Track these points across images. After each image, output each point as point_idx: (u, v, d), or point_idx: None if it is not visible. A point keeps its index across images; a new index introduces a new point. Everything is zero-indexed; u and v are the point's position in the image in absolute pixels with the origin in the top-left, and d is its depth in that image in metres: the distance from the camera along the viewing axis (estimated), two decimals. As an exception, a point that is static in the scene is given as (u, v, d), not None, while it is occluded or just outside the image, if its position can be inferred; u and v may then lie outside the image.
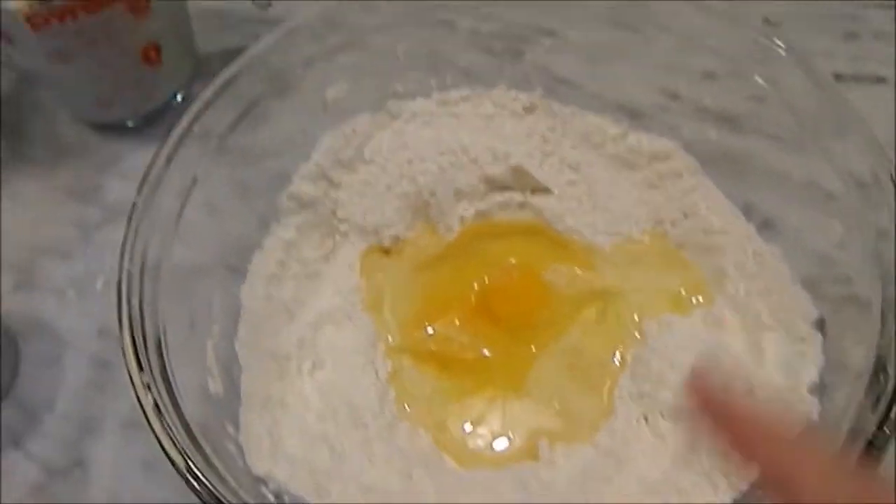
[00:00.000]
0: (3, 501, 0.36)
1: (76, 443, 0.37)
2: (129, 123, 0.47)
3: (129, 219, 0.31)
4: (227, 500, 0.25)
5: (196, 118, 0.33)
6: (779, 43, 0.36)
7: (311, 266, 0.36)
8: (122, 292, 0.28)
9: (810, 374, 0.30)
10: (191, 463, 0.26)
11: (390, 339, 0.34)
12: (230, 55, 0.51)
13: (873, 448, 0.25)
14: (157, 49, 0.44)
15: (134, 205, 0.32)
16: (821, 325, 0.32)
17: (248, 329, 0.33)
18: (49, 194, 0.46)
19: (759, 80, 0.38)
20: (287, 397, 0.32)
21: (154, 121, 0.48)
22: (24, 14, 0.38)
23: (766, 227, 0.38)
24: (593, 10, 0.40)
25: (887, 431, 0.25)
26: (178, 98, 0.48)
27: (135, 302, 0.29)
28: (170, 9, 0.44)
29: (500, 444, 0.32)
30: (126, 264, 0.29)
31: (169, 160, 0.33)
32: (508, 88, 0.40)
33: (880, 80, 0.47)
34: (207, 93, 0.34)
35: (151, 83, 0.46)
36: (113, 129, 0.48)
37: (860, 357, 0.29)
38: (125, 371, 0.28)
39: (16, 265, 0.43)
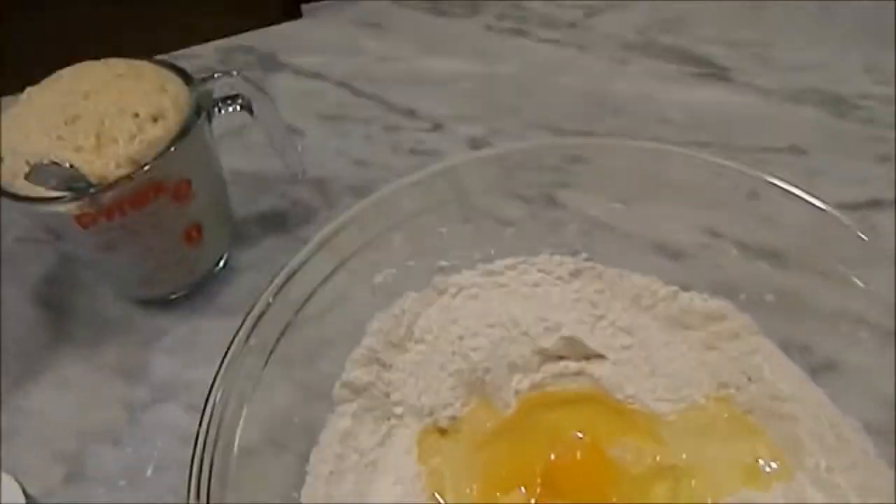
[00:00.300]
0: None
1: None
2: (172, 297, 0.48)
3: (202, 423, 0.31)
4: None
5: (255, 323, 0.33)
6: (777, 181, 0.37)
7: (368, 455, 0.35)
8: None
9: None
10: None
11: (457, 529, 0.33)
12: (267, 217, 0.53)
13: None
14: (199, 228, 0.45)
15: (208, 406, 0.32)
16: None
17: (314, 540, 0.32)
18: (95, 374, 0.46)
19: (792, 216, 0.38)
20: None
21: (196, 291, 0.48)
22: (74, 215, 0.39)
23: (827, 369, 0.37)
24: (618, 156, 0.41)
25: None
26: (221, 265, 0.49)
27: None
28: (210, 189, 0.45)
29: None
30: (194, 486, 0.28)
31: (243, 344, 0.33)
32: (552, 254, 0.40)
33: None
34: (268, 292, 0.34)
35: (193, 259, 0.46)
36: (156, 303, 0.48)
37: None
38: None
39: (65, 454, 0.42)
